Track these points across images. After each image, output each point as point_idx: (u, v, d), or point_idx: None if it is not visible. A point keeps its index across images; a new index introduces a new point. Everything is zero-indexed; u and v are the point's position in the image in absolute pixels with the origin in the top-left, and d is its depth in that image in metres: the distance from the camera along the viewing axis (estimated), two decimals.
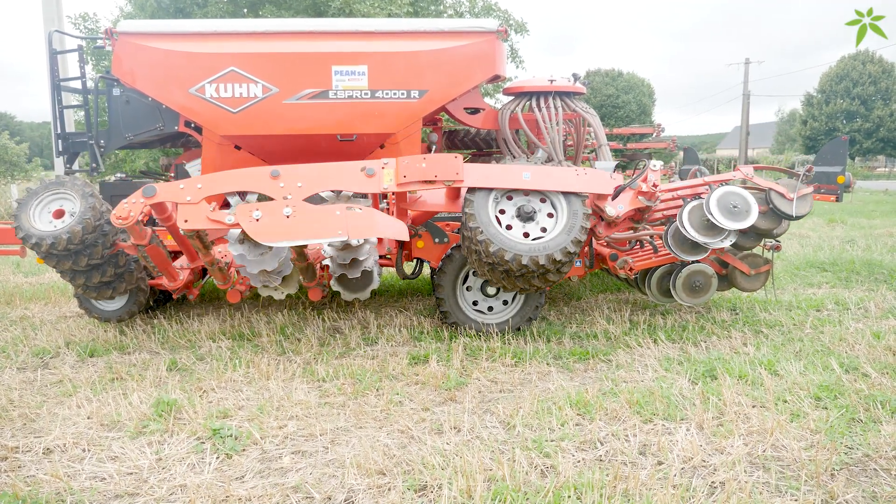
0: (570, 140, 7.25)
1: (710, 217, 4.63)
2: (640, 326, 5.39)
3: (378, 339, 5.22)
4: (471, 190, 4.53)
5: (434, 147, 6.55)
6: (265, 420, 3.70)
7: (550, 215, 4.63)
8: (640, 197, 4.69)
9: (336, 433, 3.51)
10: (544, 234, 4.55)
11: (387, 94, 5.59)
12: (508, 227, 4.58)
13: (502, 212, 4.63)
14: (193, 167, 6.11)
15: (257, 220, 4.11)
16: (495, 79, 6.23)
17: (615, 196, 4.78)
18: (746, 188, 4.79)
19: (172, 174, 6.54)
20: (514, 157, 6.15)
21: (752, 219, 4.62)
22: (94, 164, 6.10)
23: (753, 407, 3.71)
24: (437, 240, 5.43)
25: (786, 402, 3.73)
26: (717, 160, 35.19)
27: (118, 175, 6.57)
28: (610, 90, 34.59)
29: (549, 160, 6.05)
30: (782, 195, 4.84)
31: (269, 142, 5.70)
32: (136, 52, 5.49)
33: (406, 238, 4.25)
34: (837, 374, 4.12)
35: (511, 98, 6.31)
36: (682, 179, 7.97)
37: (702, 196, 4.80)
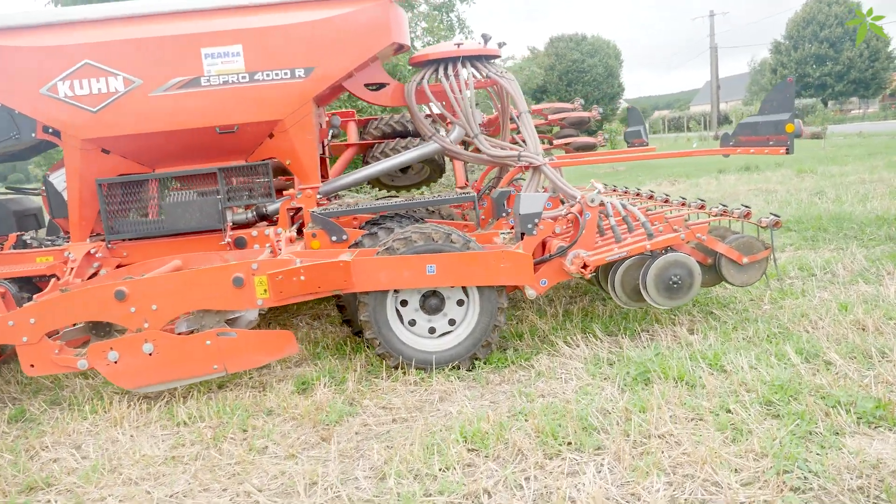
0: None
1: (643, 292, 3.99)
2: (574, 318, 4.66)
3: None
4: None
5: (334, 131, 5.74)
6: (88, 490, 2.96)
7: (460, 303, 4.05)
8: (571, 267, 3.92)
9: None
10: (452, 328, 4.06)
11: (267, 75, 4.76)
12: (412, 323, 4.05)
13: (404, 303, 4.03)
14: (58, 178, 5.29)
15: (115, 362, 3.73)
16: (399, 49, 5.44)
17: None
18: (692, 251, 4.10)
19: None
20: (429, 137, 5.37)
21: (692, 294, 4.01)
22: None
23: (691, 420, 3.00)
24: (334, 238, 4.65)
25: (728, 411, 3.02)
26: (687, 118, 34.48)
27: None
28: (575, 55, 33.68)
29: (465, 139, 5.28)
30: (735, 262, 4.12)
31: (139, 142, 4.87)
32: None
33: (297, 350, 3.94)
34: (795, 365, 3.42)
35: (418, 70, 5.50)
36: (627, 143, 7.28)
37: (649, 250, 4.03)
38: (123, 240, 4.94)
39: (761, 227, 4.18)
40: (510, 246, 4.19)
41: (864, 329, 3.90)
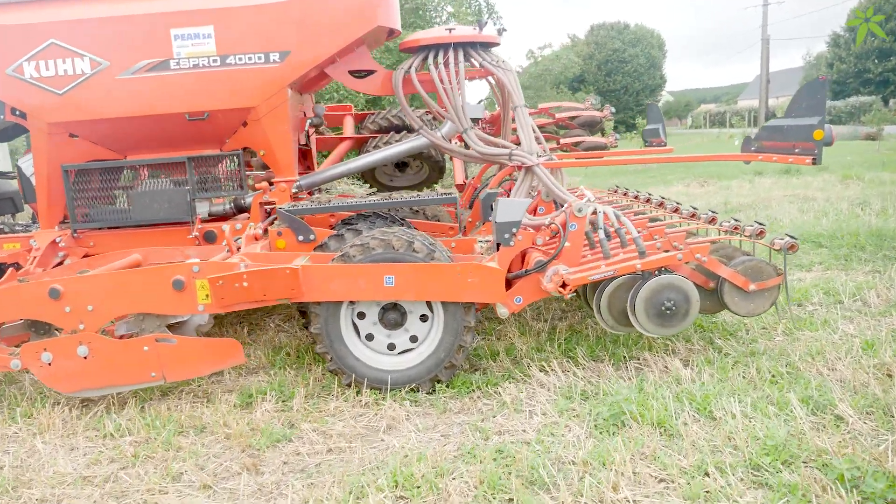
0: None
1: (631, 317, 3.50)
2: (560, 337, 4.21)
3: (225, 370, 4.11)
4: None
5: (316, 121, 5.36)
6: None
7: (424, 318, 3.63)
8: (548, 285, 3.46)
9: None
10: (414, 346, 3.65)
11: (240, 59, 4.41)
12: (369, 337, 3.65)
13: (361, 315, 3.63)
14: (27, 163, 5.05)
15: (49, 364, 3.46)
16: (391, 35, 5.02)
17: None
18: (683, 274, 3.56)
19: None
20: (418, 130, 4.96)
21: (687, 323, 3.50)
22: None
23: (658, 483, 2.55)
24: (301, 238, 4.29)
25: (706, 474, 2.56)
26: (730, 113, 33.07)
27: None
28: (616, 44, 32.59)
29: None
30: (740, 288, 3.60)
31: (106, 127, 4.59)
32: None
33: (243, 361, 3.60)
34: (797, 418, 2.92)
35: (408, 58, 5.07)
36: (645, 142, 6.72)
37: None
38: (90, 229, 4.69)
39: (774, 250, 3.65)
40: (485, 256, 3.76)
41: (889, 376, 3.36)
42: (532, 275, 3.57)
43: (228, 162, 4.68)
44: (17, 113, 4.74)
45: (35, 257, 4.48)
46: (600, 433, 2.95)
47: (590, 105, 6.59)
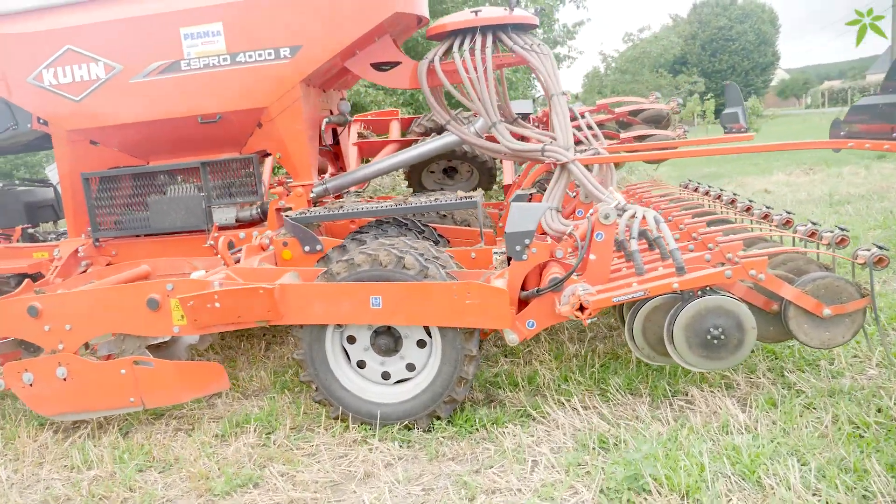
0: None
1: (668, 346, 2.86)
2: (595, 363, 3.60)
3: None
4: None
5: (339, 119, 4.97)
6: None
7: (421, 343, 3.14)
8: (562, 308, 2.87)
9: None
10: (411, 375, 3.18)
11: (250, 56, 4.13)
12: (361, 364, 3.21)
13: (352, 340, 3.20)
14: (52, 171, 5.05)
15: (30, 384, 3.30)
16: (419, 23, 4.58)
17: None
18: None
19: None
20: (445, 125, 4.47)
21: (741, 355, 2.80)
22: None
23: None
24: (306, 248, 3.94)
25: None
26: (854, 90, 29.79)
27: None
28: (721, 21, 30.24)
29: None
30: (810, 313, 2.85)
31: (123, 133, 4.46)
32: None
33: (227, 387, 3.32)
34: (878, 495, 2.20)
35: (434, 46, 4.59)
36: (725, 128, 5.88)
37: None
38: (112, 237, 4.59)
39: (858, 264, 2.86)
40: (496, 272, 3.23)
41: None
42: (547, 295, 3.00)
43: (242, 166, 4.41)
44: (42, 121, 4.72)
45: (56, 267, 4.42)
46: (609, 501, 2.36)
47: (654, 99, 5.85)
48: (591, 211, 3.14)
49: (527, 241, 3.04)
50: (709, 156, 9.38)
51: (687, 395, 3.17)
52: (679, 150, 4.94)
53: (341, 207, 4.09)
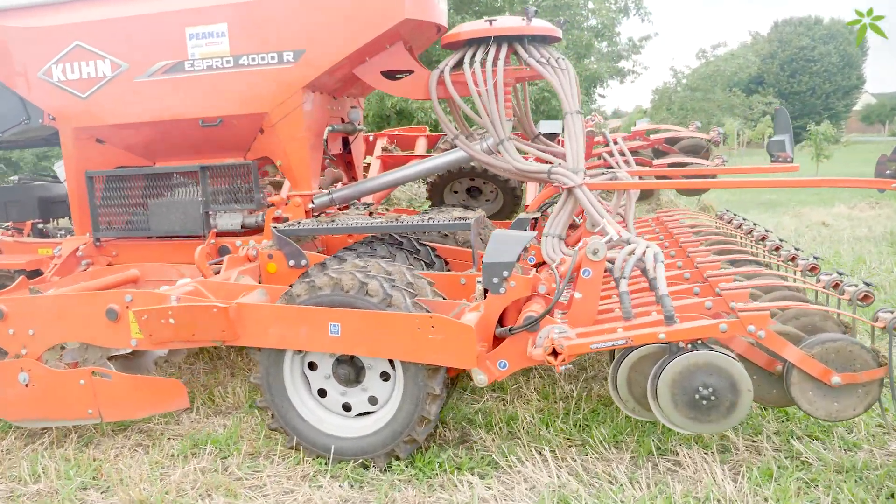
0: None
1: (652, 403, 2.52)
2: (584, 408, 3.27)
3: (195, 406, 3.65)
4: None
5: (348, 128, 4.81)
6: None
7: (385, 376, 2.92)
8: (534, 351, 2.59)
9: None
10: (374, 409, 2.96)
11: (253, 59, 4.04)
12: (322, 393, 3.01)
13: (312, 366, 3.00)
14: (59, 168, 5.08)
15: None
16: (438, 31, 4.39)
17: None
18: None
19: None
20: (453, 140, 4.25)
21: (734, 419, 2.45)
22: None
23: None
24: (291, 262, 3.78)
25: None
26: None
27: (14, 178, 5.76)
28: (803, 41, 28.77)
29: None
30: (816, 379, 2.45)
31: (127, 133, 4.44)
32: None
33: (186, 405, 3.21)
34: None
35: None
36: (772, 157, 5.40)
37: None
38: (113, 238, 4.56)
39: (879, 328, 2.45)
40: (470, 304, 2.97)
41: None
42: (521, 334, 2.73)
43: (241, 172, 4.30)
44: (52, 118, 4.74)
45: (55, 265, 4.42)
46: None
47: (695, 128, 5.47)
48: (579, 244, 2.85)
49: (505, 274, 2.77)
50: (741, 188, 8.74)
51: (676, 454, 2.82)
52: (702, 181, 4.55)
53: (333, 221, 3.91)
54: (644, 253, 2.78)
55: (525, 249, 3.10)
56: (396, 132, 6.69)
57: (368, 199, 5.14)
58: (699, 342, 2.53)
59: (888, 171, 3.38)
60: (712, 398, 2.46)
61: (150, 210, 4.38)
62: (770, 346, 2.47)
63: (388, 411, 2.89)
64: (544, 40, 4.19)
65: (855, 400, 2.43)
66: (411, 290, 2.90)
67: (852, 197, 10.02)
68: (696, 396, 2.47)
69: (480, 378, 2.73)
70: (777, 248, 3.68)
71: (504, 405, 3.40)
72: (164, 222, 4.38)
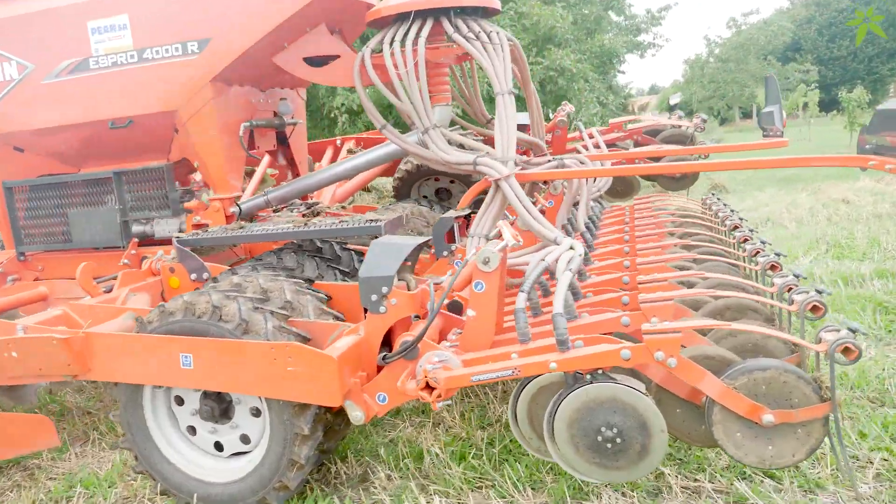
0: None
1: (549, 445, 2.07)
2: (508, 438, 2.82)
3: (92, 438, 3.32)
4: None
5: (278, 122, 4.38)
6: None
7: (256, 412, 2.52)
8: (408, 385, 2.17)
9: None
10: (247, 449, 2.57)
11: (157, 52, 3.69)
12: (192, 431, 2.63)
13: (179, 401, 2.62)
14: None
15: None
16: (368, 9, 3.95)
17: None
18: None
19: None
20: (380, 129, 3.78)
21: (648, 465, 1.98)
22: None
23: None
24: (193, 276, 3.41)
25: None
26: None
27: None
28: (843, 3, 27.06)
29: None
30: (742, 417, 1.95)
31: (42, 139, 4.15)
32: None
33: (56, 443, 2.80)
34: None
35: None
36: (763, 131, 4.80)
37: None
38: (37, 252, 4.28)
39: (818, 352, 1.92)
40: (349, 326, 2.53)
41: None
42: (398, 362, 2.29)
43: (155, 176, 3.95)
44: None
45: None
46: None
47: (678, 118, 4.95)
48: (470, 253, 2.40)
49: (384, 290, 2.34)
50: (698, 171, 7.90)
51: (600, 498, 2.35)
52: (660, 165, 4.01)
53: (242, 228, 3.52)
54: (558, 258, 2.33)
55: (413, 260, 2.65)
56: (365, 135, 6.30)
57: (326, 198, 4.76)
58: (599, 372, 2.05)
59: (867, 146, 2.86)
60: (618, 441, 1.99)
61: (70, 221, 4.09)
62: (684, 378, 1.97)
63: (259, 453, 2.49)
64: (480, 12, 3.70)
65: (794, 443, 1.91)
66: (284, 312, 2.49)
67: (875, 172, 9.08)
68: (599, 438, 2.01)
69: (356, 415, 2.31)
70: (745, 240, 3.14)
71: (421, 435, 2.97)
72: (85, 233, 4.08)
